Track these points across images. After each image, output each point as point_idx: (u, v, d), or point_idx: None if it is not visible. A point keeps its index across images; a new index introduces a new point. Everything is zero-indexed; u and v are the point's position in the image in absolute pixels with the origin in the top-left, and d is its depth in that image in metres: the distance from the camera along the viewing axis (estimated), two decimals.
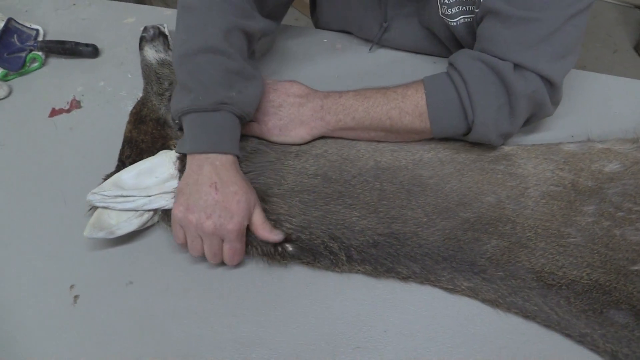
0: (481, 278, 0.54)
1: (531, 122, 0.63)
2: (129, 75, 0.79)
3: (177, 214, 0.53)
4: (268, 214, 0.58)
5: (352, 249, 0.56)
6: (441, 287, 0.54)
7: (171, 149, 0.62)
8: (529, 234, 0.56)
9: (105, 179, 0.62)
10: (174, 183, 0.58)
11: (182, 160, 0.58)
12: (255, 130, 0.63)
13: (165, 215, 0.59)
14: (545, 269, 0.53)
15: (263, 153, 0.63)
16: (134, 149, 0.63)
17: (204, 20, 0.57)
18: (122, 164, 0.63)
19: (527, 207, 0.58)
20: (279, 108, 0.62)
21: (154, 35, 0.75)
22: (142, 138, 0.64)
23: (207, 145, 0.54)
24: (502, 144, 0.63)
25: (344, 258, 0.56)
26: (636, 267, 0.53)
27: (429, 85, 0.59)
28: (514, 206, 0.58)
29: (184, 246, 0.55)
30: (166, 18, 0.81)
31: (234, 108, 0.56)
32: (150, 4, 1.70)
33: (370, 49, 0.80)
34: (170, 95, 0.69)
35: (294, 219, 0.57)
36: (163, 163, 0.58)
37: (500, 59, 0.56)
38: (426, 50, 0.79)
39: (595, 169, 0.61)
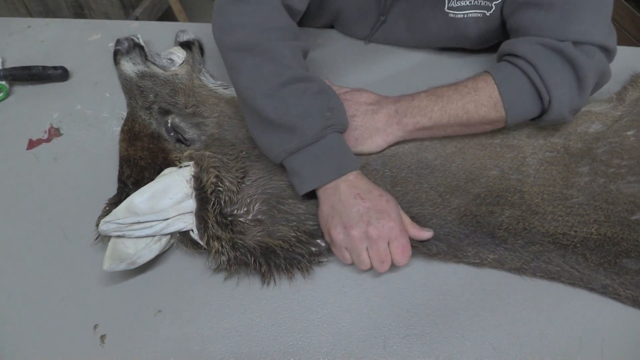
0: (504, 248, 0.56)
1: (594, 91, 0.64)
2: (107, 95, 0.75)
3: (338, 237, 0.53)
4: (287, 215, 0.58)
5: None
6: (469, 263, 0.56)
7: (176, 165, 0.59)
8: (536, 201, 0.59)
9: (108, 204, 0.58)
10: (190, 203, 0.55)
11: (197, 178, 0.56)
12: None
13: (183, 237, 0.56)
14: (558, 231, 0.56)
15: None
16: (134, 167, 0.60)
17: (269, 55, 0.57)
18: (124, 184, 0.59)
19: (529, 175, 0.61)
20: (353, 118, 0.62)
21: (130, 48, 0.71)
22: (140, 154, 0.61)
23: (335, 173, 0.55)
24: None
25: None
26: (636, 217, 0.57)
27: (497, 76, 0.60)
28: (517, 176, 0.61)
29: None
30: (133, 31, 0.77)
31: (336, 127, 0.57)
32: (92, 17, 1.61)
33: (365, 42, 0.80)
34: (158, 108, 0.66)
35: (315, 216, 0.57)
36: (176, 183, 0.55)
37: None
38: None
39: (581, 131, 0.65)
